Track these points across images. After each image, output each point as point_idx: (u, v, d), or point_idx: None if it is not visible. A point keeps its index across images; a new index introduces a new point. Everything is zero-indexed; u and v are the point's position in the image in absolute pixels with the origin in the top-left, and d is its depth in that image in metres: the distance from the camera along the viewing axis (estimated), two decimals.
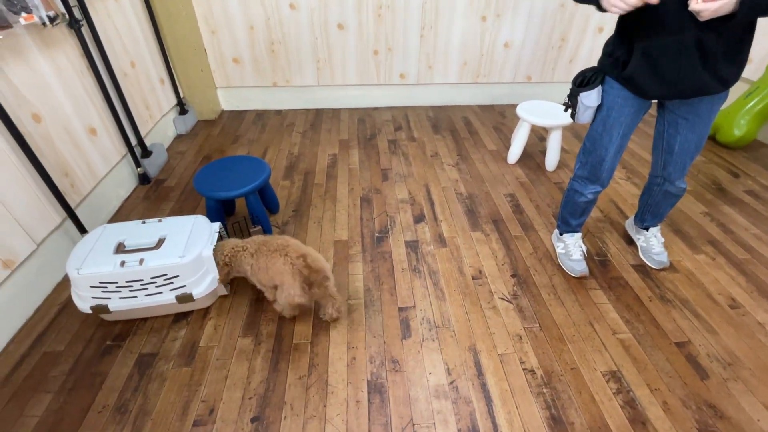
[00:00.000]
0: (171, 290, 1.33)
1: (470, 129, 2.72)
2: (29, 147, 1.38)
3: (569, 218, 1.58)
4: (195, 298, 1.35)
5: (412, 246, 1.75)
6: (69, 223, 1.60)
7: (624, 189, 2.13)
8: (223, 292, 1.48)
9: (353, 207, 1.97)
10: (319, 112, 2.95)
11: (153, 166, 2.17)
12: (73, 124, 1.65)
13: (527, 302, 1.50)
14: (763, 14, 0.90)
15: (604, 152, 1.31)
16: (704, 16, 0.91)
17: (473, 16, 2.66)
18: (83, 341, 1.34)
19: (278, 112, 2.94)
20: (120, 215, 1.90)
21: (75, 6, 1.63)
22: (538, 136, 2.63)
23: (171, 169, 2.26)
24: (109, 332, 1.37)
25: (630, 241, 1.77)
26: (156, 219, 1.45)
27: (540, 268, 1.64)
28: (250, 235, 1.64)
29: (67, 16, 1.54)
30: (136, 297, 1.31)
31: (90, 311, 1.30)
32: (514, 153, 2.31)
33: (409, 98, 3.02)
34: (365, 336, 1.37)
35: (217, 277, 1.39)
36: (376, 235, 1.80)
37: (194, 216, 1.47)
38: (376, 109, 3.01)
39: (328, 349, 1.33)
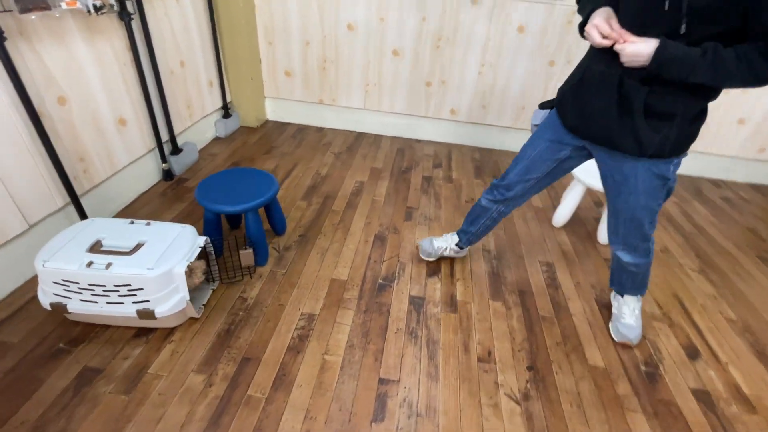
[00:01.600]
0: (133, 302, 1.20)
1: None
2: (42, 126, 1.37)
3: (466, 220, 1.57)
4: (157, 316, 1.21)
5: (417, 303, 1.50)
6: (72, 210, 1.57)
7: (694, 284, 1.73)
8: (194, 314, 1.33)
9: (364, 243, 1.78)
10: (360, 136, 2.84)
11: (180, 164, 2.15)
12: (102, 112, 1.65)
13: (540, 409, 1.18)
14: (675, 76, 0.84)
15: (516, 161, 1.31)
16: (623, 60, 0.88)
17: (540, 59, 2.43)
18: (38, 338, 1.25)
19: (319, 129, 2.88)
20: (131, 208, 1.86)
21: (129, 0, 1.66)
22: (595, 200, 2.29)
23: (198, 169, 2.23)
24: (67, 333, 1.27)
25: (693, 355, 1.39)
26: (145, 221, 1.36)
27: (566, 366, 1.32)
28: (238, 256, 1.50)
29: (115, 7, 1.56)
30: (96, 303, 1.20)
31: (49, 308, 1.21)
32: (562, 215, 2.00)
33: (457, 136, 2.82)
34: (330, 405, 1.14)
35: (187, 297, 1.25)
36: (380, 281, 1.59)
37: (183, 225, 1.36)
38: (419, 141, 2.84)
39: (283, 412, 1.11)
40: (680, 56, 0.81)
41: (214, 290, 1.47)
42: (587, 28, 0.91)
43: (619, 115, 0.96)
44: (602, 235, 1.93)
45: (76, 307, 1.20)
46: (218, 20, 2.37)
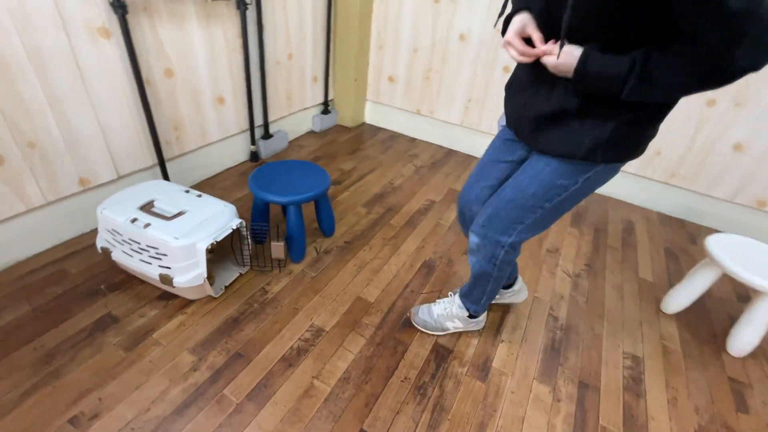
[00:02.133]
0: (158, 266, 1.24)
1: (627, 238, 1.95)
2: (146, 92, 1.53)
3: None
4: (174, 285, 1.23)
5: (441, 354, 1.25)
6: (158, 170, 1.74)
7: None
8: (211, 293, 1.33)
9: (408, 268, 1.59)
10: (450, 153, 2.63)
11: (267, 148, 2.27)
12: (203, 89, 1.81)
13: None
14: (608, 95, 0.72)
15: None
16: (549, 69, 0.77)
17: (697, 98, 1.90)
18: (88, 276, 1.38)
19: (412, 140, 2.76)
20: (212, 180, 2.01)
21: None
22: (738, 292, 1.68)
23: (283, 156, 2.33)
24: (111, 278, 1.39)
25: None
26: (198, 193, 1.41)
27: None
28: (269, 245, 1.46)
29: None
30: (132, 257, 1.27)
31: (100, 251, 1.33)
32: (679, 299, 1.49)
33: None
34: None
35: (204, 275, 1.25)
36: (407, 315, 1.38)
37: (226, 204, 1.37)
38: None
39: (246, 427, 1.00)
40: (604, 73, 0.69)
41: (242, 274, 1.46)
42: (503, 44, 0.81)
43: (526, 107, 0.88)
44: (737, 344, 1.37)
45: (118, 256, 1.30)
46: (334, 20, 2.45)
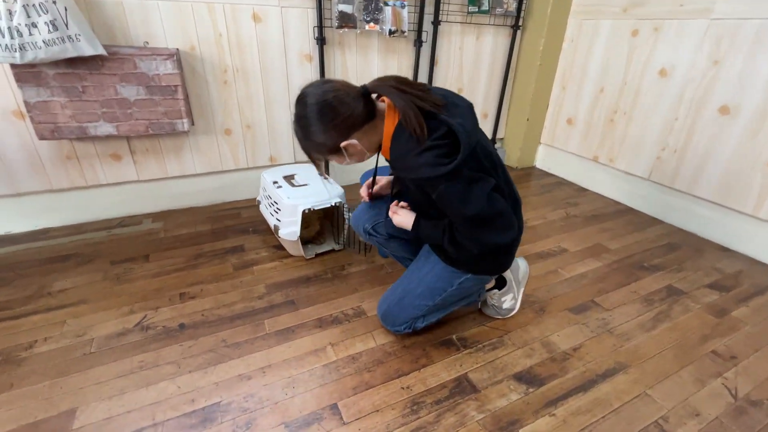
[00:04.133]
0: (275, 218, 1.61)
1: None
2: None
3: None
4: (279, 235, 1.56)
5: (464, 388, 1.07)
6: (323, 165, 2.22)
7: None
8: (301, 252, 1.59)
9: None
10: (623, 211, 2.13)
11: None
12: None
13: None
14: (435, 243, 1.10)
15: None
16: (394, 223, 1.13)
17: None
18: (251, 219, 1.91)
19: (580, 189, 2.40)
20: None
21: (425, 31, 2.11)
22: None
23: None
24: (261, 225, 1.87)
25: None
26: (325, 176, 1.75)
27: None
28: (348, 227, 1.60)
29: (406, 34, 2.03)
30: (267, 208, 1.70)
31: (257, 203, 1.83)
32: None
33: None
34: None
35: (298, 233, 1.52)
36: (452, 336, 1.23)
37: (337, 186, 1.64)
38: (723, 249, 1.79)
39: (257, 352, 1.16)
40: (428, 233, 1.04)
41: (335, 250, 1.68)
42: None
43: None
44: None
45: (262, 207, 1.75)
46: (516, 59, 2.49)
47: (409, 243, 1.28)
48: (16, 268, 1.49)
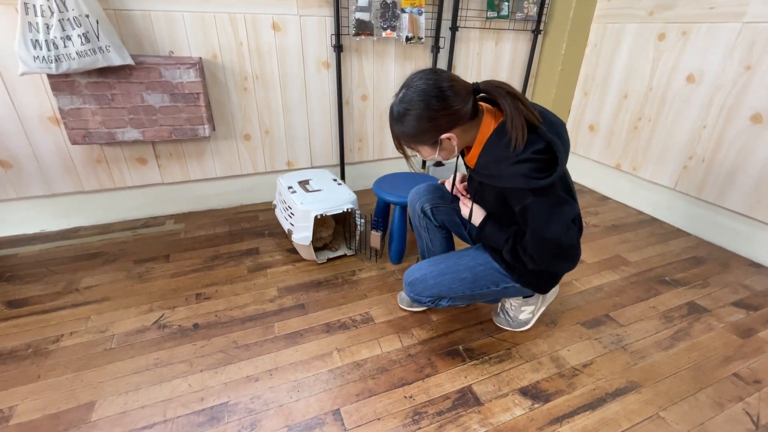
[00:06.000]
0: (289, 222, 1.64)
1: None
2: (342, 110, 2.06)
3: None
4: (292, 239, 1.60)
5: (467, 400, 1.06)
6: (338, 169, 2.25)
7: None
8: (313, 257, 1.62)
9: (490, 307, 1.39)
10: (647, 222, 2.06)
11: (437, 174, 2.48)
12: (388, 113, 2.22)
13: None
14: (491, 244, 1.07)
15: None
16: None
17: None
18: (268, 223, 1.96)
19: (602, 197, 2.33)
20: None
21: (443, 37, 2.10)
22: None
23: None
24: (273, 228, 1.91)
25: None
26: (339, 181, 1.77)
27: None
28: (360, 233, 1.62)
29: (422, 40, 2.03)
30: (282, 213, 1.74)
31: (273, 206, 1.87)
32: None
33: None
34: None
35: (310, 238, 1.55)
36: (458, 347, 1.22)
37: (351, 193, 1.65)
38: (754, 264, 1.69)
39: (264, 354, 1.19)
40: (492, 235, 1.04)
41: (347, 255, 1.70)
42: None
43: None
44: None
45: (278, 211, 1.79)
46: (536, 66, 2.45)
47: (449, 241, 1.31)
48: (48, 264, 1.59)
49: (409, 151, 1.00)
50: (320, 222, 1.68)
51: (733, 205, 1.75)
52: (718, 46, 1.71)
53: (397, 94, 0.91)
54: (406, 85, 0.89)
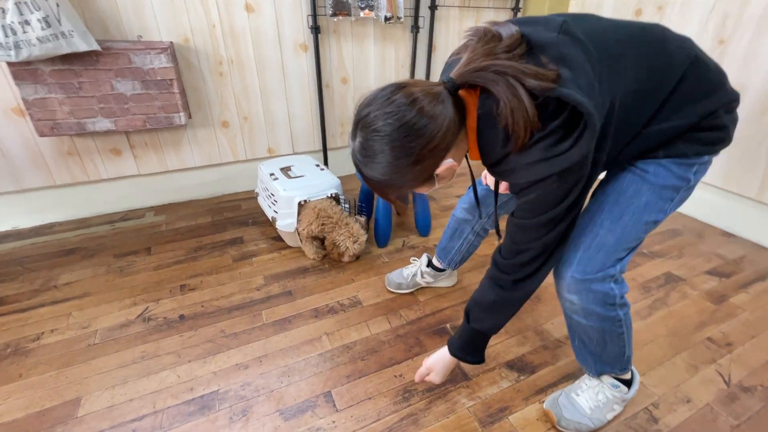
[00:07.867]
0: (273, 210, 1.62)
1: None
2: (323, 94, 2.02)
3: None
4: (277, 226, 1.58)
5: (456, 377, 1.08)
6: (321, 155, 2.22)
7: None
8: (297, 243, 1.61)
9: (474, 287, 1.42)
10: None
11: None
12: None
13: None
14: None
15: None
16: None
17: None
18: (249, 212, 1.93)
19: None
20: None
21: (422, 17, 2.07)
22: None
23: None
24: (258, 217, 1.89)
25: None
26: (321, 167, 1.75)
27: None
28: (349, 216, 1.61)
29: (402, 20, 1.99)
30: (264, 200, 1.71)
31: (255, 194, 1.84)
32: None
33: None
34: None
35: (295, 224, 1.54)
36: (446, 325, 1.24)
37: (335, 178, 1.64)
38: (729, 235, 1.76)
39: (253, 342, 1.19)
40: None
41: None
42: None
43: None
44: None
45: (260, 199, 1.77)
46: None
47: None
48: (23, 262, 1.54)
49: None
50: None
51: (706, 177, 1.80)
52: (693, 20, 1.73)
53: (353, 136, 0.67)
54: (363, 126, 0.64)
